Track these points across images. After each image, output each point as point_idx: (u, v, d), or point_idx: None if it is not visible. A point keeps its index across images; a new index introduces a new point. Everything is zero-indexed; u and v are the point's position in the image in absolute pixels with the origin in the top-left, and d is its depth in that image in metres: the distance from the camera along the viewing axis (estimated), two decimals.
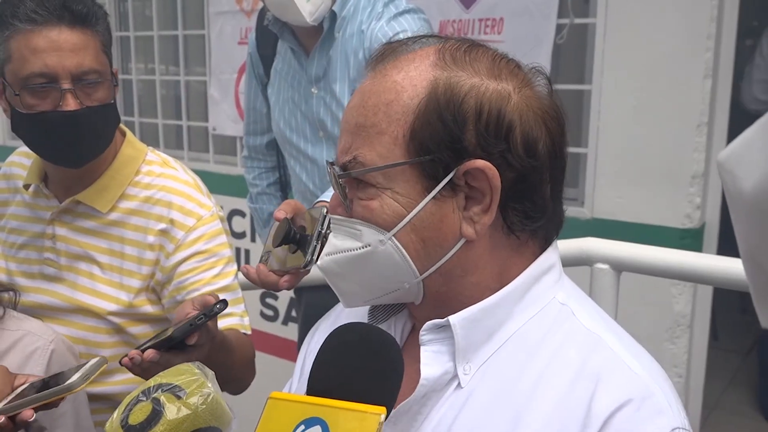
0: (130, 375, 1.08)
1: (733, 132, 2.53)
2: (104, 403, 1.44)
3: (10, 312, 1.36)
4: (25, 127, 1.37)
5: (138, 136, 1.56)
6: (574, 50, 2.93)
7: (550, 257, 0.89)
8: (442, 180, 0.82)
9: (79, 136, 1.36)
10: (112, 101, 1.40)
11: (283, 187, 2.57)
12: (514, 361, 0.84)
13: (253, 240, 3.84)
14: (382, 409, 0.73)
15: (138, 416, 0.84)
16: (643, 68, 2.64)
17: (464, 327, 0.84)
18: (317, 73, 2.12)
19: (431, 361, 0.85)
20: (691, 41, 2.54)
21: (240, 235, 3.85)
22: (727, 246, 2.41)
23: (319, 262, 0.92)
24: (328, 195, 1.17)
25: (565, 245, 1.67)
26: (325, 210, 1.04)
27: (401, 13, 2.03)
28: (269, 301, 3.79)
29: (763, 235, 0.59)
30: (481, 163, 0.81)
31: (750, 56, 3.62)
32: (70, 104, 1.32)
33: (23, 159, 1.58)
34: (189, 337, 1.04)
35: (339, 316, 1.08)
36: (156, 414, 0.84)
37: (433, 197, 0.83)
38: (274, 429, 0.75)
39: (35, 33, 1.31)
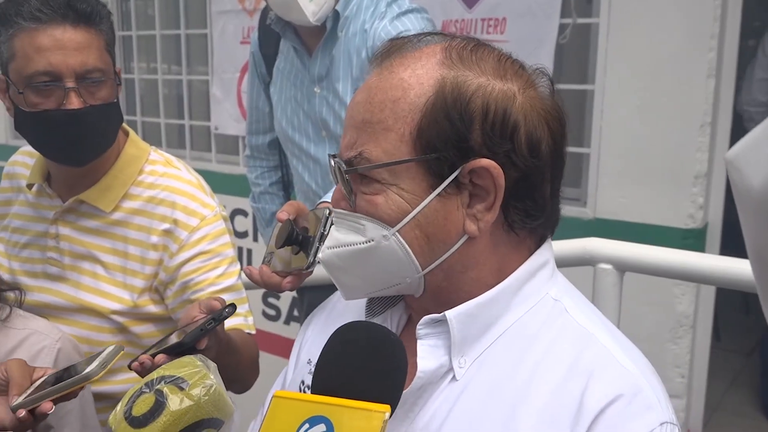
0: (134, 374, 1.07)
1: (736, 132, 2.54)
2: (108, 401, 1.44)
3: (17, 311, 1.36)
4: (29, 126, 1.37)
5: (140, 136, 1.56)
6: (576, 50, 2.93)
7: (544, 254, 0.91)
8: (447, 178, 0.83)
9: (83, 134, 1.36)
10: (116, 100, 1.41)
11: (286, 187, 2.57)
12: (509, 355, 0.85)
13: (255, 239, 3.84)
14: (387, 407, 0.73)
15: (141, 407, 0.85)
16: (646, 68, 2.64)
17: (460, 322, 0.86)
18: (320, 73, 2.12)
19: (427, 354, 0.86)
20: (694, 41, 2.54)
21: (242, 235, 3.85)
22: (730, 246, 2.41)
23: (320, 255, 0.93)
24: (330, 196, 1.17)
25: (568, 245, 1.67)
26: (328, 211, 1.04)
27: (404, 13, 2.03)
28: (271, 300, 3.79)
29: None
30: (486, 162, 0.82)
31: (752, 57, 3.61)
32: (74, 103, 1.32)
33: (26, 158, 1.58)
34: (199, 341, 1.05)
35: (335, 307, 1.09)
36: (159, 405, 0.84)
37: (438, 194, 0.84)
38: (278, 428, 0.76)
39: (39, 31, 1.31)
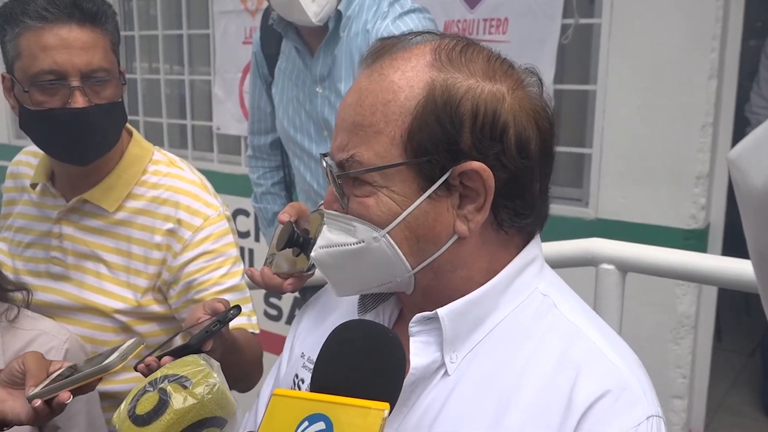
0: (138, 374, 1.08)
1: (738, 133, 2.54)
2: (111, 401, 1.44)
3: (24, 311, 1.36)
4: (33, 124, 1.37)
5: (142, 136, 1.57)
6: (578, 50, 2.94)
7: (533, 250, 0.93)
8: (437, 180, 0.84)
9: (87, 133, 1.36)
10: (120, 99, 1.41)
11: (288, 187, 2.57)
12: (499, 350, 0.87)
13: (257, 239, 3.84)
14: (386, 405, 0.74)
15: (145, 406, 0.86)
16: (648, 68, 2.64)
17: (452, 319, 0.87)
18: (322, 73, 2.12)
19: (420, 351, 0.87)
20: (696, 42, 2.54)
21: (244, 235, 3.85)
22: (732, 247, 2.41)
23: (313, 254, 0.95)
24: None
25: (570, 245, 1.67)
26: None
27: (406, 13, 2.03)
28: (273, 300, 3.80)
29: None
30: (476, 164, 0.83)
31: (754, 57, 3.60)
32: (79, 102, 1.33)
33: (30, 158, 1.59)
34: (204, 344, 1.05)
35: (327, 301, 1.10)
36: (163, 404, 0.85)
37: (428, 196, 0.85)
38: (277, 426, 0.76)
39: (45, 30, 1.31)
